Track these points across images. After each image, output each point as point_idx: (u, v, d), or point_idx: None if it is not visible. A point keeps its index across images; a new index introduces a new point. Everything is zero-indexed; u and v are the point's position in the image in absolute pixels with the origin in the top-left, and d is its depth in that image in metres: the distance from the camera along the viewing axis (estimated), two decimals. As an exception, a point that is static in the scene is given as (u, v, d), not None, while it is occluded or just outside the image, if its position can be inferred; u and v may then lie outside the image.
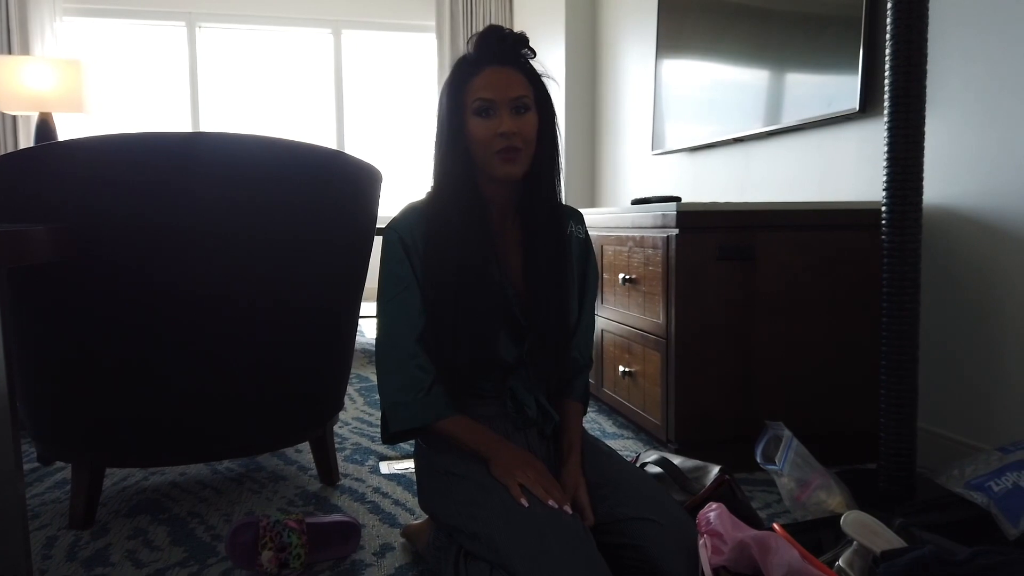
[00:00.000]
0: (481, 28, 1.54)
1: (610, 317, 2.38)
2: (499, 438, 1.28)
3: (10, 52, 4.78)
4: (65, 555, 1.49)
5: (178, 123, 5.40)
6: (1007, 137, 1.77)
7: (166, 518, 1.68)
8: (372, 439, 2.27)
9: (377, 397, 2.81)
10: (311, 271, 1.64)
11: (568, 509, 1.16)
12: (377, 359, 1.32)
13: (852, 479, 1.66)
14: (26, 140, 4.88)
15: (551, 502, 1.15)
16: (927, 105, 1.88)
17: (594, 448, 1.37)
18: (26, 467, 2.02)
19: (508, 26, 5.28)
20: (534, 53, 1.31)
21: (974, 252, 1.88)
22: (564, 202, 1.39)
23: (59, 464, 2.04)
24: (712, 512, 1.18)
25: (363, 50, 5.67)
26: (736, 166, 2.94)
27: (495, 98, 1.23)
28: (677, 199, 2.19)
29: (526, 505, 1.15)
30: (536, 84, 1.29)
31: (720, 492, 1.39)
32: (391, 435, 1.31)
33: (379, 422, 2.47)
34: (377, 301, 1.33)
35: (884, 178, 1.57)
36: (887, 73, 1.54)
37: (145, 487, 1.88)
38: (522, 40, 1.29)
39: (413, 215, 1.31)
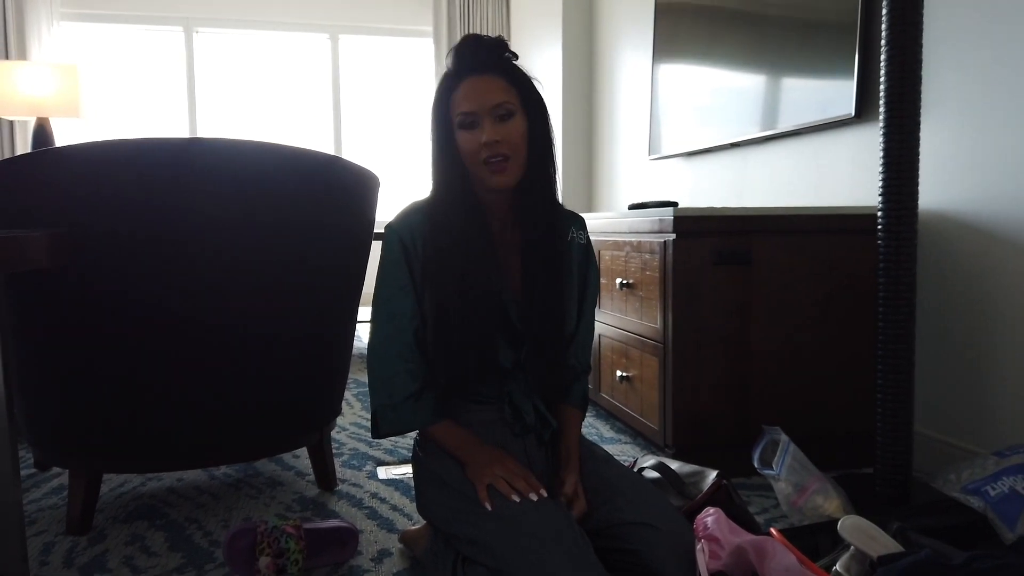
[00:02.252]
0: (478, 33, 1.53)
1: (607, 322, 2.38)
2: (478, 442, 1.29)
3: (7, 57, 4.78)
4: (62, 561, 1.49)
5: (175, 128, 5.39)
6: (1002, 142, 1.78)
7: (163, 524, 1.68)
8: (370, 444, 2.27)
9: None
10: (307, 276, 1.64)
11: (543, 493, 1.18)
12: (368, 361, 1.32)
13: (849, 483, 1.66)
14: (23, 145, 4.87)
15: (514, 496, 1.17)
16: (922, 110, 1.89)
17: (592, 453, 1.37)
18: (23, 473, 2.01)
19: (505, 31, 5.31)
20: (515, 56, 1.29)
21: (969, 256, 1.88)
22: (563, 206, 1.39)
23: (56, 470, 2.04)
24: (709, 517, 1.18)
25: (361, 55, 5.68)
26: (733, 171, 2.95)
27: (475, 109, 1.23)
28: (674, 204, 2.19)
29: (490, 509, 1.17)
30: (520, 86, 1.27)
31: (717, 497, 1.39)
32: (381, 434, 1.32)
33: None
34: (372, 302, 1.33)
35: (880, 183, 1.57)
36: (882, 78, 1.55)
37: (142, 493, 1.88)
38: (500, 45, 1.27)
39: (415, 216, 1.30)
